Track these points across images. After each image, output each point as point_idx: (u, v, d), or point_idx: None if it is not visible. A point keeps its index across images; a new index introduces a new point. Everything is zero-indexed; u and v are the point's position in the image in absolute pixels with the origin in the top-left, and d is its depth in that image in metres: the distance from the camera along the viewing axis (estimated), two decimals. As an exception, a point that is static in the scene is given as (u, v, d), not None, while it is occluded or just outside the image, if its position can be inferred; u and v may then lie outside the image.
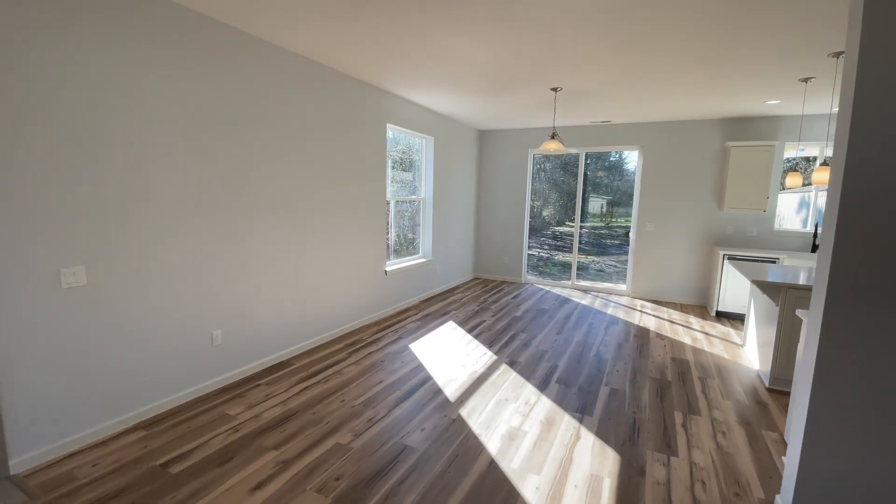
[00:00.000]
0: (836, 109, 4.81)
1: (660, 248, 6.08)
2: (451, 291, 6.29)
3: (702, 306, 5.83)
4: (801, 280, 3.30)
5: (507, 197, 7.05)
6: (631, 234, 6.37)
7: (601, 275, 7.25)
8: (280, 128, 3.33)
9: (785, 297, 3.22)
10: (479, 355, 3.81)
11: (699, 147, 5.73)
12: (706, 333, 4.66)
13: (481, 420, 2.72)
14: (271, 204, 3.31)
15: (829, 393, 1.76)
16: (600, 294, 6.43)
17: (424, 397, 2.99)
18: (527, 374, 3.46)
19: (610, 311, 5.49)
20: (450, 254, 6.43)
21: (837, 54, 3.08)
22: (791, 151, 5.51)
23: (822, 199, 5.62)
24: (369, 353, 3.75)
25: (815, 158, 5.38)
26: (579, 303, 5.85)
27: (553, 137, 4.39)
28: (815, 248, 5.19)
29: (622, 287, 6.58)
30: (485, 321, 4.87)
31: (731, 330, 4.80)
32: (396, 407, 2.84)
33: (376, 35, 2.97)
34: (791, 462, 1.89)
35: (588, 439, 2.55)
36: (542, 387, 3.23)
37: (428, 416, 2.74)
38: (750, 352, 4.00)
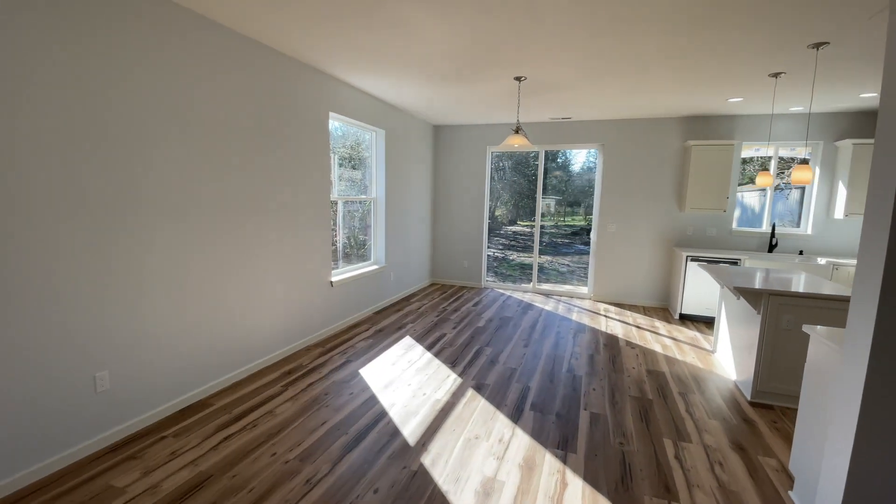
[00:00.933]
0: (797, 107, 4.78)
1: (622, 250, 5.90)
2: (407, 300, 5.76)
3: (664, 309, 5.72)
4: (759, 283, 3.12)
5: (464, 197, 6.63)
6: (592, 235, 6.16)
7: (559, 276, 7.02)
8: (187, 111, 2.65)
9: (767, 304, 3.01)
10: (441, 378, 3.33)
11: (659, 146, 5.60)
12: (675, 339, 4.47)
13: (449, 470, 2.23)
14: (179, 205, 2.62)
15: (881, 435, 1.44)
16: (562, 298, 6.17)
17: (378, 442, 2.46)
18: (497, 400, 3.02)
19: (575, 316, 5.21)
20: (405, 259, 5.89)
21: (817, 45, 2.90)
22: (747, 151, 5.51)
23: (786, 199, 5.67)
24: (310, 384, 3.15)
25: (769, 159, 5.39)
26: (543, 308, 5.53)
27: (517, 132, 3.99)
28: (771, 248, 5.20)
29: (583, 290, 6.36)
30: (446, 334, 4.39)
31: (698, 334, 4.66)
32: (343, 459, 2.29)
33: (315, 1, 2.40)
34: (826, 517, 1.57)
35: (576, 486, 2.14)
36: (516, 416, 2.80)
37: (383, 469, 2.22)
38: (723, 359, 3.82)
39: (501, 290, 6.51)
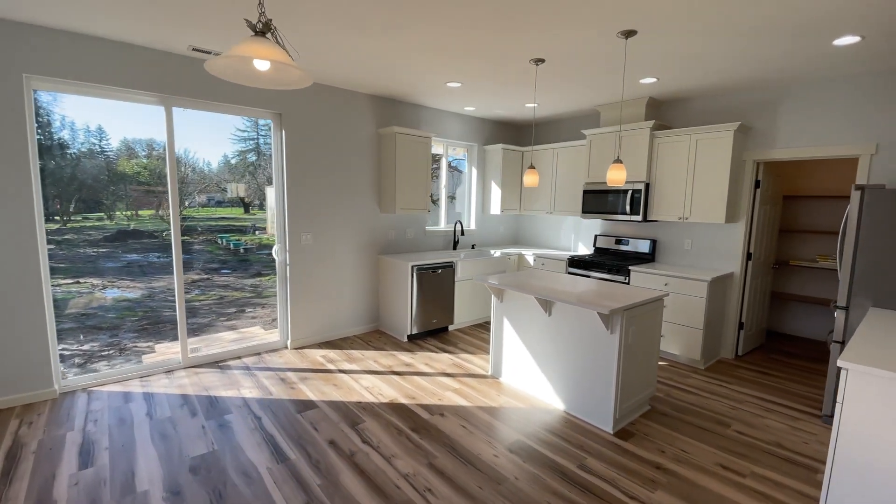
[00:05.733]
0: (470, 108, 4.73)
1: (322, 268, 4.23)
2: None
3: (379, 332, 4.63)
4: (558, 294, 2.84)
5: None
6: (277, 254, 4.05)
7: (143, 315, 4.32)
8: None
9: (623, 321, 2.64)
10: None
11: (352, 128, 4.29)
12: (450, 376, 3.54)
13: None
14: None
15: None
16: (248, 362, 3.76)
17: None
18: None
19: (313, 392, 3.17)
20: None
21: (627, 34, 2.65)
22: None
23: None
24: None
25: (440, 156, 5.34)
26: (244, 398, 3.05)
27: (265, 34, 1.59)
28: (455, 246, 5.24)
29: (272, 337, 4.16)
30: None
31: (451, 357, 3.94)
32: None
33: None
34: None
35: None
36: None
37: None
38: (521, 384, 3.27)
39: (115, 387, 3.16)
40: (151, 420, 2.72)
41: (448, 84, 3.89)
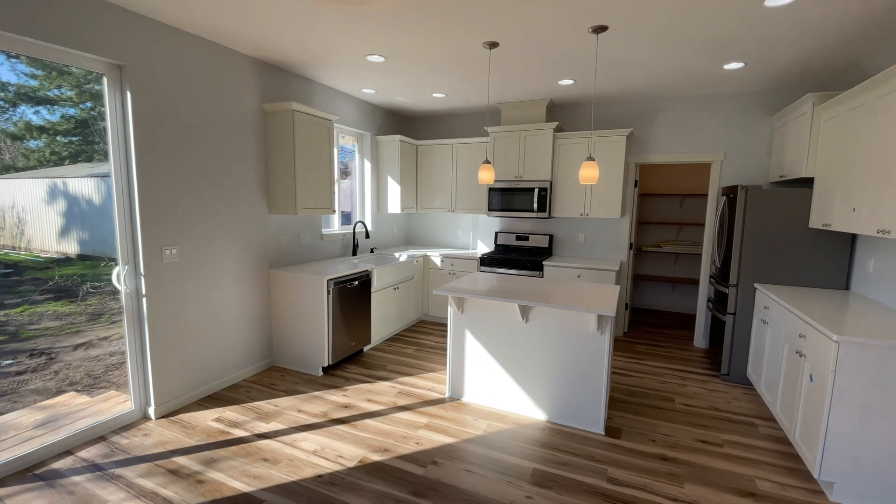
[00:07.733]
0: (369, 90, 4.07)
1: (195, 293, 2.99)
2: None
3: (276, 369, 3.58)
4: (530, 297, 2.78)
5: None
6: (122, 282, 2.64)
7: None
8: None
9: (613, 322, 2.62)
10: None
11: (231, 100, 3.15)
12: (405, 408, 2.96)
13: None
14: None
15: None
16: (89, 454, 2.35)
17: None
18: None
19: (244, 482, 2.16)
20: None
21: (598, 29, 2.60)
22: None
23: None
24: None
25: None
26: (119, 525, 1.85)
27: None
28: (355, 251, 4.55)
29: (121, 406, 2.72)
30: None
31: (392, 385, 3.33)
32: None
33: None
34: None
35: None
36: None
37: None
38: (488, 401, 2.98)
39: None
40: None
41: (369, 57, 3.21)
